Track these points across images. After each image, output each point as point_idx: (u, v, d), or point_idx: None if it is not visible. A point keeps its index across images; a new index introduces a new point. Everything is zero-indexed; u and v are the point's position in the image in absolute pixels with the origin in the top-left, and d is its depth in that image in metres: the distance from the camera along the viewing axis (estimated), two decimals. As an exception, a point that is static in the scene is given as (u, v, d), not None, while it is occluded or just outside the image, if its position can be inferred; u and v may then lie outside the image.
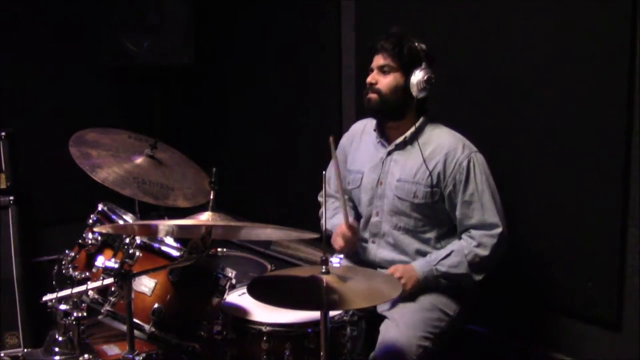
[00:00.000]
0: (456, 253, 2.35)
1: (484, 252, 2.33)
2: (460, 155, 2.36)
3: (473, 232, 2.36)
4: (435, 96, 2.48)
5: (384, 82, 2.41)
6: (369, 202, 2.52)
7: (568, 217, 2.48)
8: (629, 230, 2.33)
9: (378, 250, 2.51)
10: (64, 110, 3.77)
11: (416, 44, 2.40)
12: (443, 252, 2.38)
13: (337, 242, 2.50)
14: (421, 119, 2.45)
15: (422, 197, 2.38)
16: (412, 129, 2.43)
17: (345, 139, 2.70)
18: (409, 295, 2.35)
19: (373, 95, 2.42)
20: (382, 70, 2.41)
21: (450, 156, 2.37)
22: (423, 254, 2.42)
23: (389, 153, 2.48)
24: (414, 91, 2.37)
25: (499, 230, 2.34)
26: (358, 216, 2.62)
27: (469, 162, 2.35)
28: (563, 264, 2.52)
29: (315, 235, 2.01)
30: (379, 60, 2.42)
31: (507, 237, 2.37)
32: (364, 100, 2.47)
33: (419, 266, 2.37)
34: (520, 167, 2.59)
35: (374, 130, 2.55)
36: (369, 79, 2.44)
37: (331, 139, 2.28)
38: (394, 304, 2.35)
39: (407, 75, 2.38)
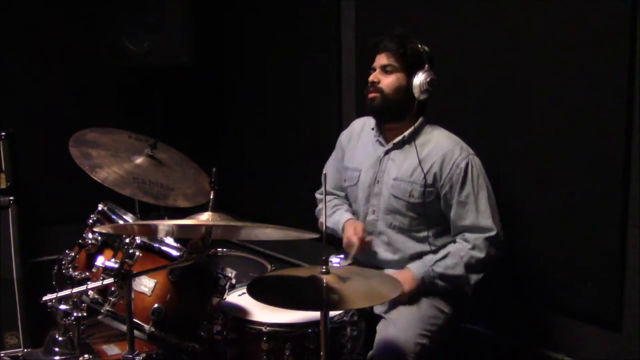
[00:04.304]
0: (452, 255, 2.35)
1: (479, 254, 2.33)
2: (458, 157, 2.36)
3: (467, 235, 2.36)
4: (434, 96, 2.48)
5: (386, 81, 2.41)
6: (366, 200, 2.52)
7: (568, 217, 2.48)
8: (629, 230, 2.33)
9: (373, 249, 2.51)
10: (64, 110, 3.77)
11: (419, 45, 2.41)
12: (439, 254, 2.38)
13: (351, 250, 2.46)
14: (420, 119, 2.45)
15: (418, 197, 2.38)
16: (411, 129, 2.43)
17: (344, 136, 2.70)
18: (408, 299, 2.34)
19: (375, 94, 2.42)
20: (385, 69, 2.42)
21: (447, 157, 2.37)
22: (418, 253, 2.42)
23: (387, 152, 2.49)
24: (416, 93, 2.38)
25: (492, 233, 2.34)
26: (353, 214, 2.61)
27: (467, 164, 2.36)
28: (563, 263, 2.51)
29: (315, 235, 2.01)
30: (381, 59, 2.43)
31: (502, 240, 2.36)
32: (365, 99, 2.47)
33: (415, 268, 2.37)
34: (520, 167, 2.59)
35: (372, 128, 2.56)
36: (372, 78, 2.43)
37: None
38: (392, 305, 2.34)
39: (410, 76, 2.39)
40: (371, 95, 2.43)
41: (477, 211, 2.34)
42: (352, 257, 2.45)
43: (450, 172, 2.35)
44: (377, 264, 2.49)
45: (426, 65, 2.38)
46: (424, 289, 2.36)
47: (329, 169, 2.72)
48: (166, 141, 2.87)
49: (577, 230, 2.46)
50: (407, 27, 2.47)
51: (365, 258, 2.52)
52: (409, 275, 2.35)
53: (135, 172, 2.55)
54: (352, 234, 2.44)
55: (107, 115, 3.80)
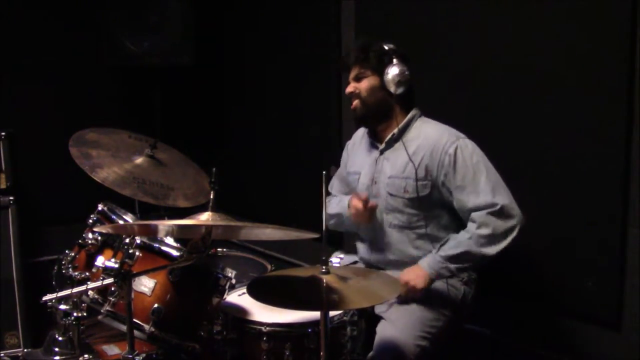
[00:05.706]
0: (454, 237, 2.33)
1: (485, 230, 2.27)
2: (446, 143, 2.37)
3: (473, 214, 2.32)
4: (434, 96, 2.49)
5: (361, 87, 2.46)
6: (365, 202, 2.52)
7: (568, 217, 2.48)
8: (629, 230, 2.33)
9: (373, 251, 2.50)
10: (64, 110, 3.78)
11: (384, 45, 2.44)
12: (444, 240, 2.36)
13: (357, 218, 2.46)
14: (409, 115, 2.47)
15: (413, 192, 2.38)
16: (400, 125, 2.45)
17: (348, 144, 2.75)
18: (424, 291, 2.31)
19: (355, 102, 2.47)
20: (357, 79, 2.47)
21: (436, 147, 2.37)
22: (420, 250, 2.40)
23: (382, 152, 2.51)
24: (392, 88, 2.39)
25: (495, 208, 2.28)
26: None
27: (455, 148, 2.35)
28: (563, 264, 2.52)
29: (315, 235, 2.01)
30: (352, 73, 2.49)
31: (512, 209, 2.29)
32: (351, 112, 2.51)
33: (424, 261, 2.35)
34: (520, 167, 2.58)
35: (367, 133, 2.59)
36: (348, 89, 2.49)
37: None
38: (393, 305, 2.34)
39: (381, 75, 2.42)
40: (353, 104, 2.48)
41: (477, 191, 2.31)
42: (366, 224, 2.45)
43: (440, 159, 2.36)
44: (378, 266, 2.48)
45: (394, 60, 2.40)
46: (440, 277, 2.33)
47: (335, 179, 2.75)
48: (166, 141, 2.87)
49: (577, 230, 2.46)
50: (403, 26, 2.48)
51: (367, 259, 2.51)
52: (420, 272, 2.32)
53: (135, 172, 2.55)
54: (355, 202, 2.43)
55: (107, 115, 3.80)
